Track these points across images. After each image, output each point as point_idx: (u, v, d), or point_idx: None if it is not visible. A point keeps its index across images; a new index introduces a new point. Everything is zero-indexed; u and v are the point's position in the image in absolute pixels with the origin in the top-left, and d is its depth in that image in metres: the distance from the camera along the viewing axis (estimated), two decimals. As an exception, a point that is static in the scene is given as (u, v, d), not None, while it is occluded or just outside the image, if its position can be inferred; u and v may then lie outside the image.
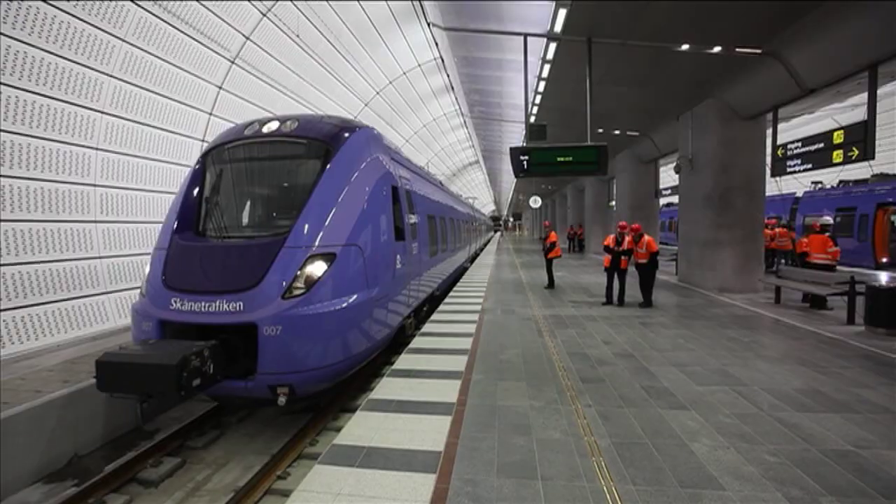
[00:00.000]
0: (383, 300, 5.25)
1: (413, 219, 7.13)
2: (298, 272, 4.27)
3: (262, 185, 5.55)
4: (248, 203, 5.48)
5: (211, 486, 4.14)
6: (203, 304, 4.18)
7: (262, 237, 4.70)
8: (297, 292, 4.20)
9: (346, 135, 5.36)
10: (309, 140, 5.25)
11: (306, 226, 4.54)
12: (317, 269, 4.34)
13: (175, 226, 4.93)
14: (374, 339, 5.03)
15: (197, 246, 4.74)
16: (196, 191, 5.28)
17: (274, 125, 5.40)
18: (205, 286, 4.32)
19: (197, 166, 5.47)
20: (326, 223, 4.60)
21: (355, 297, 4.57)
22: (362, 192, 5.14)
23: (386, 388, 4.53)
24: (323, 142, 5.20)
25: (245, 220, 5.36)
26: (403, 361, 5.39)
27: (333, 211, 4.69)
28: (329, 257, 4.43)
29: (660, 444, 3.28)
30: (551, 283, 11.44)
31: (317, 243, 4.45)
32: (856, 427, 3.51)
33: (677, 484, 2.77)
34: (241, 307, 4.12)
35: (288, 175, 5.42)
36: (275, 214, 5.34)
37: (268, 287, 4.18)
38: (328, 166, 4.96)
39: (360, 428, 3.63)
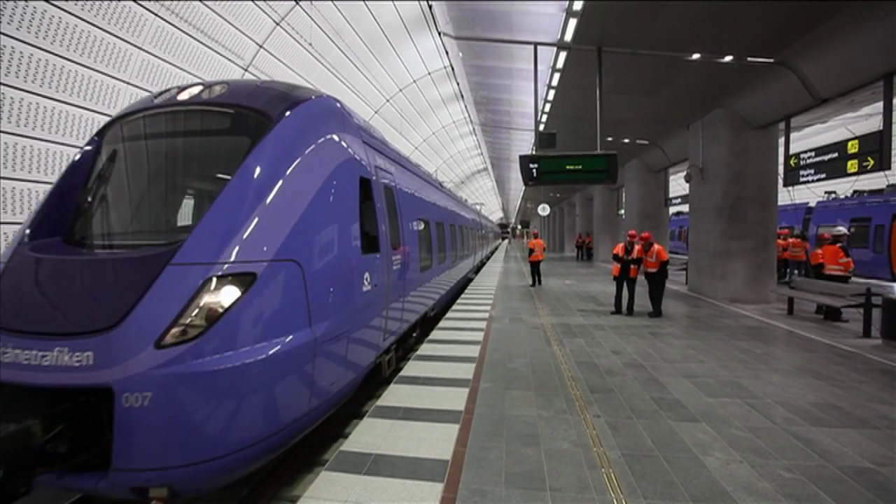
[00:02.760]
0: (340, 338, 3.76)
1: (396, 224, 5.72)
2: (189, 304, 2.78)
3: (162, 172, 3.93)
4: (140, 197, 3.85)
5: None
6: (35, 352, 2.68)
7: (144, 247, 3.20)
8: (188, 335, 2.73)
9: (292, 104, 3.87)
10: (237, 110, 3.80)
11: (212, 232, 3.07)
12: (223, 297, 2.87)
13: (29, 230, 3.41)
14: (322, 396, 3.51)
15: (45, 260, 3.16)
16: (76, 180, 3.79)
17: (195, 90, 4.01)
18: (39, 325, 2.81)
19: (85, 147, 3.96)
20: (246, 228, 3.11)
21: (289, 338, 3.12)
22: (309, 183, 3.66)
23: (393, 394, 4.52)
24: (256, 112, 3.74)
25: (129, 222, 3.71)
26: (411, 368, 5.39)
27: (260, 210, 3.21)
28: (245, 279, 2.97)
29: (671, 457, 3.22)
30: (533, 283, 13.54)
31: (227, 258, 2.97)
32: (874, 443, 3.42)
33: (689, 499, 2.72)
34: (91, 360, 2.63)
35: (201, 157, 3.86)
36: (172, 215, 3.83)
37: (134, 328, 2.69)
38: (258, 146, 3.48)
39: (367, 435, 3.62)
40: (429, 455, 3.27)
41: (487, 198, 60.06)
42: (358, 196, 4.34)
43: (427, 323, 8.19)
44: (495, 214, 78.88)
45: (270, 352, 2.98)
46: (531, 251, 13.64)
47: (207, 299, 2.84)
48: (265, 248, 3.14)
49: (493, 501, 2.71)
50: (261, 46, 10.46)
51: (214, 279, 2.89)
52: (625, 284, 8.93)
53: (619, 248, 8.96)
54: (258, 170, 3.39)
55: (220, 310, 2.85)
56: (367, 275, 4.35)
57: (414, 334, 7.19)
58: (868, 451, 3.30)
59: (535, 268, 13.56)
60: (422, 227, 7.46)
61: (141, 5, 7.55)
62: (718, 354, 5.91)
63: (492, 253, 32.65)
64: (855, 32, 6.46)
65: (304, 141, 3.77)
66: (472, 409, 4.11)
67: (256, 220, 3.18)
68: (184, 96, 3.97)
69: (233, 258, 3.00)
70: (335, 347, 3.70)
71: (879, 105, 6.69)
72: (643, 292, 8.99)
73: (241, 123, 3.78)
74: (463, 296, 11.63)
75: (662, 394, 4.50)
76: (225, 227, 3.11)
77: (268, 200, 3.30)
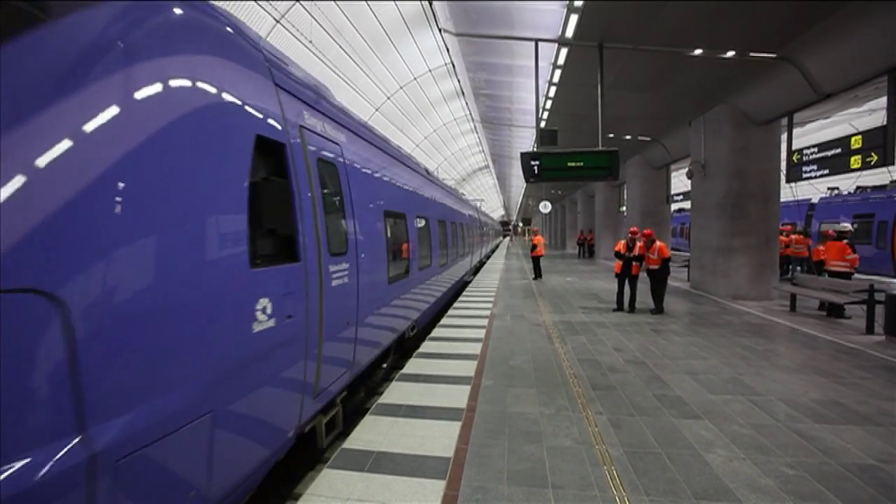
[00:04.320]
0: (180, 434, 1.97)
1: (342, 216, 3.92)
2: None
3: None
4: None
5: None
6: None
7: None
8: None
9: None
10: None
11: None
12: None
13: None
14: None
15: None
16: None
17: None
18: None
19: None
20: None
21: (17, 467, 1.40)
22: (111, 135, 1.81)
23: (395, 392, 4.52)
24: None
25: None
26: (413, 366, 5.39)
27: None
28: None
29: (673, 454, 3.22)
30: (535, 276, 14.59)
31: None
32: (878, 440, 3.41)
33: (692, 496, 2.71)
34: None
35: None
36: None
37: None
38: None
39: (369, 432, 3.62)
40: (431, 452, 3.27)
41: (489, 195, 60.01)
42: (248, 168, 2.54)
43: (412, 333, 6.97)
44: (497, 211, 78.82)
45: None
46: (534, 247, 14.63)
47: None
48: None
49: (495, 498, 2.71)
50: (261, 44, 10.45)
51: None
52: (626, 281, 8.92)
53: (620, 245, 8.93)
54: None
55: None
56: (264, 302, 2.58)
57: (384, 365, 5.77)
58: (871, 448, 3.29)
59: (536, 262, 14.65)
60: (393, 222, 5.69)
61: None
62: (721, 351, 5.90)
63: (492, 252, 32.55)
64: (859, 27, 6.40)
65: (111, 58, 1.94)
66: (473, 407, 4.12)
67: None
68: None
69: None
70: (168, 453, 1.94)
71: (883, 100, 6.65)
72: (645, 289, 8.98)
73: None
74: (465, 293, 11.63)
75: (664, 391, 4.49)
76: None
77: None
